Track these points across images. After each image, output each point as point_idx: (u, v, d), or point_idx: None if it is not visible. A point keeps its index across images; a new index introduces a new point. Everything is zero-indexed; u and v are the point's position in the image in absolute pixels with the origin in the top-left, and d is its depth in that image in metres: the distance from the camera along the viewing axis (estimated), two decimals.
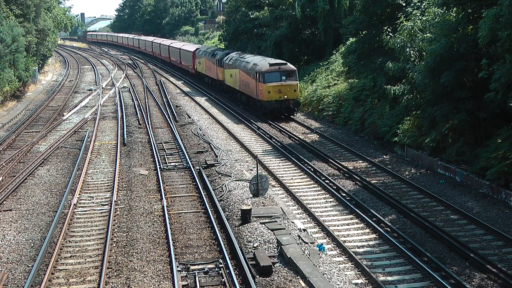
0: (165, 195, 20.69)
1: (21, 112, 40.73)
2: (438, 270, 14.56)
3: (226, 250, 15.44)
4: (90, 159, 26.32)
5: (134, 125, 34.85)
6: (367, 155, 26.45)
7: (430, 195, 20.41)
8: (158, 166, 24.46)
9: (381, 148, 27.71)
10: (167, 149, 28.34)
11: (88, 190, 21.86)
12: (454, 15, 21.89)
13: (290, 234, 16.40)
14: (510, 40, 17.68)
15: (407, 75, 24.02)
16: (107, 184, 22.53)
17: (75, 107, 41.78)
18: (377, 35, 29.54)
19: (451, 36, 21.27)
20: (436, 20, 22.60)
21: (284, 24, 47.05)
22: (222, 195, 20.78)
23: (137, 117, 37.31)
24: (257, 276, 14.16)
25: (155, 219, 18.53)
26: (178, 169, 24.54)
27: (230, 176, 22.82)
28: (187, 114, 38.56)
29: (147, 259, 15.46)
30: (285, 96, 35.02)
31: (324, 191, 21.64)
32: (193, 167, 24.28)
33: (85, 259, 15.55)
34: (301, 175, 23.87)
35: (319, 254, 15.28)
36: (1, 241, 16.92)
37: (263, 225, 17.27)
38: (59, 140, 30.13)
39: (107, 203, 20.14)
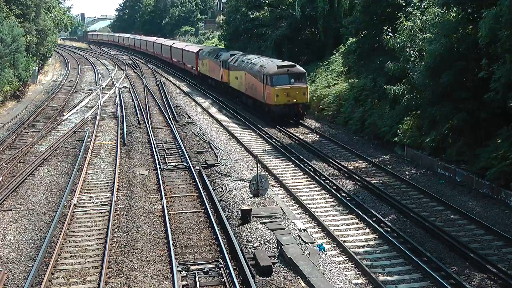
0: (165, 195, 20.69)
1: (21, 112, 40.73)
2: (438, 270, 14.55)
3: (226, 250, 15.44)
4: (90, 159, 26.32)
5: (134, 125, 34.85)
6: (367, 155, 26.45)
7: (430, 195, 20.41)
8: (158, 166, 24.46)
9: (381, 148, 27.70)
10: (167, 149, 28.34)
11: (88, 190, 21.86)
12: (454, 15, 21.89)
13: (290, 234, 16.40)
14: (510, 40, 17.69)
15: (407, 75, 24.01)
16: (107, 184, 22.53)
17: (75, 107, 41.78)
18: (377, 35, 29.52)
19: (451, 36, 21.27)
20: (436, 20, 22.60)
21: (284, 24, 47.02)
22: (222, 195, 20.78)
23: (137, 117, 37.31)
24: (257, 276, 14.16)
25: (155, 219, 18.53)
26: (178, 169, 24.54)
27: (230, 176, 22.82)
28: (187, 114, 38.56)
29: (147, 259, 15.46)
30: (294, 100, 33.35)
31: (324, 191, 21.64)
32: (193, 167, 24.28)
33: (85, 259, 15.56)
34: (301, 175, 23.87)
35: (319, 254, 15.28)
36: (1, 241, 16.93)
37: (263, 225, 17.27)
38: (59, 140, 30.13)
39: (107, 203, 20.14)
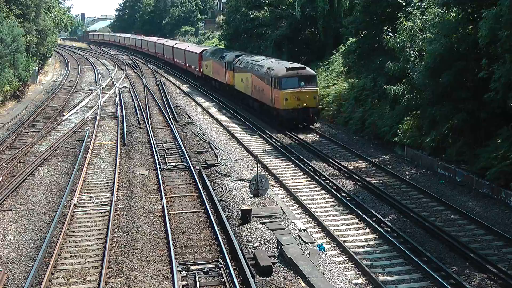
0: (165, 195, 20.69)
1: (21, 112, 40.72)
2: (438, 270, 14.55)
3: (226, 250, 15.44)
4: (90, 159, 26.32)
5: (134, 125, 34.85)
6: (367, 155, 26.45)
7: (430, 195, 20.41)
8: (158, 166, 24.46)
9: (381, 148, 27.70)
10: (167, 149, 28.34)
11: (88, 190, 21.86)
12: (454, 15, 21.89)
13: (290, 234, 16.40)
14: (510, 40, 17.70)
15: (407, 75, 24.02)
16: (107, 184, 22.53)
17: (75, 107, 41.77)
18: (377, 35, 29.53)
19: (451, 36, 21.28)
20: (436, 20, 22.60)
21: (284, 24, 47.03)
22: (222, 195, 20.78)
23: (137, 117, 37.31)
24: (257, 276, 14.16)
25: (155, 219, 18.53)
26: (178, 169, 24.54)
27: (230, 176, 22.82)
28: (187, 114, 38.55)
29: (147, 259, 15.46)
30: (304, 104, 31.58)
31: (324, 191, 21.64)
32: (193, 167, 24.28)
33: (85, 259, 15.56)
34: (301, 175, 23.87)
35: (319, 254, 15.28)
36: (1, 241, 16.93)
37: (263, 225, 17.27)
38: (59, 140, 30.13)
39: (107, 203, 20.14)
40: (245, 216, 17.67)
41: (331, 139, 29.80)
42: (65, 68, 73.95)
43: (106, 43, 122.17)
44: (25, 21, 51.47)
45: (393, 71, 24.93)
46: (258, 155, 23.28)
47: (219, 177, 23.03)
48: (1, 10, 45.41)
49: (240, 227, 17.49)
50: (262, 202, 19.38)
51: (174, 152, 27.62)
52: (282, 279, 14.07)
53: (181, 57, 62.65)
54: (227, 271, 14.23)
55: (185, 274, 14.38)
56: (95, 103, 43.08)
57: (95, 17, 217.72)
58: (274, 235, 16.41)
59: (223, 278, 14.04)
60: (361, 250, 16.28)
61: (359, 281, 14.30)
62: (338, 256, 15.76)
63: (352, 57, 32.21)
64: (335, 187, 21.73)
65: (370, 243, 16.78)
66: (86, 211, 19.50)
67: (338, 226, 18.15)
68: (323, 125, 34.02)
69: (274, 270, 14.49)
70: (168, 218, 18.16)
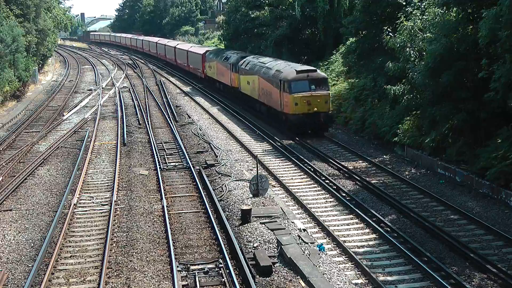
0: (165, 195, 20.69)
1: (21, 112, 40.73)
2: (438, 270, 14.55)
3: (226, 250, 15.44)
4: (90, 159, 26.32)
5: (134, 125, 34.85)
6: (367, 155, 26.45)
7: (430, 195, 20.41)
8: (158, 166, 24.46)
9: (381, 148, 27.70)
10: (167, 149, 28.34)
11: (88, 190, 21.86)
12: (454, 15, 21.89)
13: (290, 234, 16.40)
14: (510, 40, 17.70)
15: (407, 75, 24.02)
16: (107, 184, 22.53)
17: (75, 107, 41.78)
18: (377, 35, 29.54)
19: (451, 36, 21.28)
20: (436, 20, 22.60)
21: (284, 24, 47.02)
22: (222, 195, 20.78)
23: (137, 117, 37.31)
24: (257, 276, 14.16)
25: (155, 219, 18.53)
26: (178, 169, 24.54)
27: (230, 176, 22.82)
28: (187, 114, 38.55)
29: (147, 259, 15.46)
30: (315, 109, 29.74)
31: (324, 191, 21.64)
32: (193, 167, 24.28)
33: (85, 259, 15.55)
34: (301, 175, 23.87)
35: (319, 254, 15.28)
36: (1, 241, 16.93)
37: (263, 225, 17.27)
38: (59, 140, 30.13)
39: (107, 203, 20.14)
40: (245, 216, 17.67)
41: (331, 139, 29.80)
42: (65, 68, 73.95)
43: (107, 43, 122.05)
44: (25, 21, 51.47)
45: (393, 71, 24.94)
46: (258, 155, 23.28)
47: (219, 177, 23.03)
48: (1, 10, 45.40)
49: (240, 227, 17.49)
50: (262, 202, 19.38)
51: (174, 152, 27.62)
52: (282, 279, 14.07)
53: (183, 58, 61.48)
54: (227, 271, 14.23)
55: (185, 274, 14.38)
56: (95, 103, 43.08)
57: (95, 17, 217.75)
58: (274, 235, 16.41)
59: (223, 278, 14.03)
60: (361, 250, 16.28)
61: (359, 281, 14.30)
62: (338, 256, 15.76)
63: (352, 56, 32.20)
64: (335, 187, 21.73)
65: (370, 243, 16.78)
66: (86, 211, 19.50)
67: (338, 226, 18.15)
68: None
69: (274, 270, 14.49)
70: (168, 218, 18.16)
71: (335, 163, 24.99)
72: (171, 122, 34.70)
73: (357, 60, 31.75)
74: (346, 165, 24.62)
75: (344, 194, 20.90)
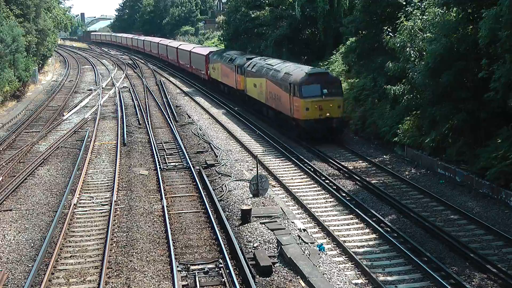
0: (165, 195, 20.69)
1: (21, 112, 40.73)
2: (438, 270, 14.55)
3: (226, 250, 15.44)
4: (90, 159, 26.32)
5: (134, 125, 34.85)
6: (367, 155, 26.45)
7: (430, 195, 20.41)
8: (158, 166, 24.46)
9: (381, 148, 27.69)
10: (167, 149, 28.34)
11: (88, 190, 21.86)
12: (454, 15, 21.90)
13: (290, 234, 16.40)
14: (510, 40, 17.70)
15: (407, 75, 24.03)
16: (107, 184, 22.54)
17: (75, 107, 41.77)
18: (377, 34, 29.55)
19: (451, 36, 21.28)
20: (436, 20, 22.61)
21: (284, 24, 47.02)
22: (222, 195, 20.78)
23: (137, 117, 37.31)
24: (257, 276, 14.16)
25: (155, 219, 18.54)
26: (178, 169, 24.54)
27: (230, 176, 22.82)
28: (187, 114, 38.55)
29: (147, 259, 15.46)
30: (327, 114, 28.06)
31: (324, 191, 21.64)
32: (193, 167, 24.28)
33: (85, 259, 15.56)
34: (301, 175, 23.87)
35: (319, 254, 15.28)
36: (1, 241, 16.93)
37: (263, 225, 17.27)
38: (59, 140, 30.13)
39: (107, 203, 20.14)
40: (245, 216, 17.68)
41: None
42: (65, 68, 73.96)
43: (108, 43, 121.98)
44: (25, 21, 51.46)
45: (393, 71, 24.94)
46: (258, 155, 23.28)
47: (219, 177, 23.03)
48: (1, 10, 45.40)
49: (240, 227, 17.49)
50: (262, 202, 19.38)
51: (174, 152, 27.63)
52: (282, 279, 14.07)
53: (186, 59, 60.03)
54: (227, 271, 14.23)
55: (185, 274, 14.38)
56: (95, 103, 43.08)
57: (95, 17, 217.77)
58: (274, 235, 16.42)
59: (223, 278, 14.04)
60: (361, 250, 16.28)
61: (359, 281, 14.30)
62: (338, 256, 15.76)
63: (352, 56, 32.18)
64: (335, 187, 21.73)
65: (370, 243, 16.78)
66: (86, 211, 19.50)
67: (338, 226, 18.15)
68: None
69: (274, 270, 14.49)
70: (168, 218, 18.16)
71: (335, 163, 24.99)
72: (171, 122, 34.70)
73: (357, 60, 31.72)
74: (346, 165, 24.62)
75: (344, 194, 20.90)
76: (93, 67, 72.26)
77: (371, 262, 15.44)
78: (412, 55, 23.75)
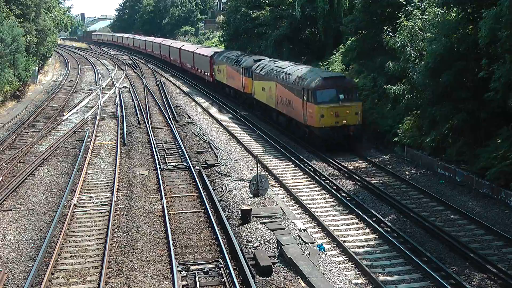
0: (165, 195, 20.69)
1: (21, 112, 40.73)
2: (438, 270, 14.55)
3: (226, 250, 15.44)
4: (90, 159, 26.32)
5: (134, 125, 34.85)
6: (367, 155, 26.44)
7: (430, 195, 20.41)
8: (158, 166, 24.46)
9: (381, 148, 27.67)
10: (167, 149, 28.34)
11: (88, 190, 21.86)
12: (454, 15, 21.90)
13: (290, 234, 16.40)
14: (510, 40, 17.70)
15: (407, 75, 24.03)
16: (107, 184, 22.53)
17: (75, 107, 41.77)
18: (377, 34, 29.54)
19: (451, 36, 21.28)
20: (436, 20, 22.61)
21: (284, 24, 47.03)
22: (222, 195, 20.78)
23: (137, 117, 37.31)
24: (257, 276, 14.16)
25: (155, 219, 18.54)
26: (178, 169, 24.54)
27: (230, 176, 22.82)
28: (187, 114, 38.55)
29: (147, 259, 15.46)
30: (344, 121, 26.24)
31: (324, 191, 21.64)
32: (193, 167, 24.28)
33: (85, 259, 15.56)
34: (301, 175, 23.87)
35: (319, 254, 15.28)
36: (1, 241, 16.93)
37: (263, 225, 17.27)
38: (59, 140, 30.13)
39: (107, 203, 20.14)
40: (245, 216, 17.67)
41: None
42: (65, 68, 73.98)
43: (109, 43, 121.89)
44: (25, 21, 51.46)
45: (393, 70, 24.93)
46: (258, 155, 23.28)
47: (219, 177, 23.03)
48: (1, 10, 45.39)
49: (240, 227, 17.49)
50: (262, 202, 19.38)
51: (174, 152, 27.63)
52: (282, 279, 14.07)
53: (189, 60, 58.32)
54: (227, 271, 14.23)
55: (185, 274, 14.38)
56: (95, 103, 43.08)
57: (95, 17, 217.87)
58: (274, 235, 16.41)
59: (223, 278, 14.04)
60: (361, 250, 16.28)
61: (359, 281, 14.30)
62: (338, 256, 15.76)
63: (353, 54, 32.15)
64: (335, 187, 21.73)
65: (370, 243, 16.78)
66: (86, 211, 19.50)
67: (338, 226, 18.15)
68: None
69: (274, 270, 14.49)
70: (168, 218, 18.16)
71: (335, 163, 24.98)
72: (171, 122, 34.70)
73: (357, 59, 31.71)
74: (346, 165, 24.62)
75: (344, 194, 20.90)
76: (93, 67, 72.26)
77: (371, 262, 15.44)
78: (413, 54, 23.75)
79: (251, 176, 21.41)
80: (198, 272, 14.36)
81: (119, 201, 20.34)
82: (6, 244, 16.75)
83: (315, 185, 22.41)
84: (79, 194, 21.14)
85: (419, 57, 23.62)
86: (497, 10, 17.78)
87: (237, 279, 13.68)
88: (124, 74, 62.81)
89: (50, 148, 28.41)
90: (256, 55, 42.77)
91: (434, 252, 15.87)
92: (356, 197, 20.48)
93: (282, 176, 23.45)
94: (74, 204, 19.88)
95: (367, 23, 30.53)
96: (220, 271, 14.38)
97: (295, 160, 25.66)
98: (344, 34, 36.68)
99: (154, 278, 14.31)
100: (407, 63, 23.98)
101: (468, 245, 16.07)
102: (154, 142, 29.05)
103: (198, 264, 14.84)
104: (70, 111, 39.99)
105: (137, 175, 23.80)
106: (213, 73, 49.17)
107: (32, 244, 16.74)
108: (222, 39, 64.41)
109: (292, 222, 17.56)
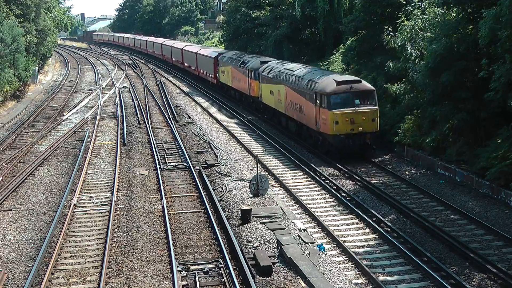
0: (165, 195, 20.69)
1: (21, 112, 40.73)
2: (438, 270, 14.55)
3: (226, 250, 15.44)
4: (90, 159, 26.32)
5: (134, 125, 34.85)
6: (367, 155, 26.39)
7: (430, 195, 20.40)
8: (158, 166, 24.45)
9: (381, 148, 27.64)
10: (167, 149, 28.34)
11: (88, 190, 21.86)
12: (454, 15, 21.91)
13: (290, 234, 16.40)
14: (510, 40, 17.71)
15: (407, 74, 24.03)
16: (107, 184, 22.53)
17: (75, 107, 41.78)
18: (377, 34, 29.55)
19: (451, 36, 21.29)
20: (437, 20, 22.62)
21: (284, 24, 47.04)
22: (222, 195, 20.78)
23: (137, 117, 37.31)
24: (257, 276, 14.16)
25: (155, 219, 18.53)
26: (178, 169, 24.54)
27: (230, 176, 22.82)
28: (187, 114, 38.54)
29: (147, 259, 15.46)
30: (360, 128, 24.44)
31: (324, 191, 21.64)
32: (193, 167, 24.28)
33: (85, 259, 15.55)
34: (301, 175, 23.86)
35: (319, 254, 15.27)
36: (1, 241, 16.93)
37: (263, 225, 17.27)
38: (59, 140, 30.13)
39: (107, 203, 20.14)
40: (245, 216, 17.67)
41: None
42: (65, 68, 73.98)
43: (110, 43, 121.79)
44: (25, 21, 51.47)
45: (394, 70, 24.93)
46: (258, 155, 23.27)
47: (219, 177, 23.03)
48: (1, 10, 45.39)
49: (240, 227, 17.49)
50: (262, 202, 19.38)
51: (174, 152, 27.62)
52: (282, 279, 14.07)
53: (192, 61, 56.76)
54: (227, 271, 14.23)
55: (185, 274, 14.37)
56: (95, 103, 43.08)
57: (95, 17, 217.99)
58: (274, 235, 16.41)
59: (223, 278, 14.03)
60: (361, 250, 16.27)
61: (359, 281, 14.30)
62: (338, 256, 15.76)
63: (352, 54, 32.14)
64: (335, 187, 21.72)
65: (370, 243, 16.78)
66: (86, 211, 19.50)
67: (338, 226, 18.14)
68: None
69: (274, 270, 14.49)
70: (168, 218, 18.16)
71: (335, 163, 24.95)
72: (171, 122, 34.70)
73: (357, 59, 31.71)
74: (346, 165, 24.58)
75: (344, 194, 20.90)
76: (93, 67, 72.26)
77: (371, 262, 15.44)
78: (413, 54, 23.75)
79: (251, 176, 21.41)
80: (198, 272, 14.36)
81: (119, 201, 20.34)
82: (6, 244, 16.75)
83: (315, 185, 22.40)
84: (79, 194, 21.13)
85: (419, 57, 23.62)
86: (497, 10, 17.78)
87: (237, 279, 13.67)
88: (124, 74, 62.81)
89: (50, 148, 28.41)
90: (263, 56, 41.28)
91: (434, 252, 15.86)
92: (356, 197, 20.47)
93: (282, 176, 23.45)
94: (74, 204, 19.88)
95: (367, 23, 30.54)
96: (220, 271, 14.37)
97: (295, 160, 25.59)
98: (344, 34, 36.68)
99: (154, 278, 14.31)
100: (407, 62, 23.99)
101: (468, 245, 16.06)
102: (154, 142, 29.05)
103: (198, 264, 14.84)
104: (70, 111, 39.99)
105: (137, 175, 23.80)
106: (217, 75, 48.02)
107: (32, 244, 16.74)
108: (222, 39, 64.41)
109: (292, 222, 17.56)
